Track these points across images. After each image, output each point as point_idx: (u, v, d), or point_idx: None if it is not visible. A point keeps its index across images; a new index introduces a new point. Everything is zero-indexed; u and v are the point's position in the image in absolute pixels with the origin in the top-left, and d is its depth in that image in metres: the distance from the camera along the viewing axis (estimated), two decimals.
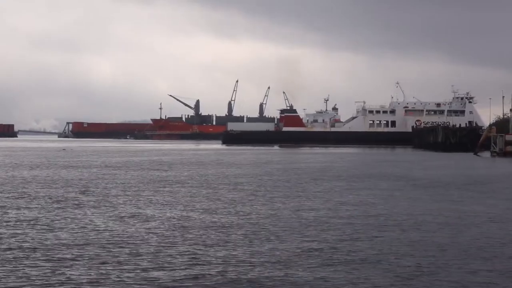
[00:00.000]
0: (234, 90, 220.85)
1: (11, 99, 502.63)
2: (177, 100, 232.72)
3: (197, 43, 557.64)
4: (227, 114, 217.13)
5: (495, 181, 47.71)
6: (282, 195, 34.87)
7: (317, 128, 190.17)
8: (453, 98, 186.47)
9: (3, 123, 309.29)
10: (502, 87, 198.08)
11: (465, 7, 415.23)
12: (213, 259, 17.75)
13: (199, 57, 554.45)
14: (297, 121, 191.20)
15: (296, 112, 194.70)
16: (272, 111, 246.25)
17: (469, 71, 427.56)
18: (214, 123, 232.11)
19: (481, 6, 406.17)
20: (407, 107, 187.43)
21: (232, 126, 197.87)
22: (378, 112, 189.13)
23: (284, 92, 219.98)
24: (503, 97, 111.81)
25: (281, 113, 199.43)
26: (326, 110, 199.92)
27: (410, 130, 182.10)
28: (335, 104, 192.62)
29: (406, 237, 21.41)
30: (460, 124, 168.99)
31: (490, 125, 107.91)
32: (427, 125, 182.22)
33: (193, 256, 18.11)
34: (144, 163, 67.73)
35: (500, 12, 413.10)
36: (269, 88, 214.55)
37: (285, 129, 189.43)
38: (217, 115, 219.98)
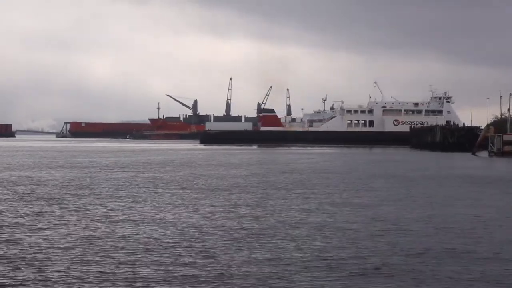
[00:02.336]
0: (229, 89, 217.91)
1: (8, 98, 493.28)
2: (175, 100, 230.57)
3: (193, 42, 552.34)
4: (224, 113, 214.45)
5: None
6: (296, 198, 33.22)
7: (295, 128, 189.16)
8: (431, 98, 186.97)
9: (1, 123, 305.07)
10: (500, 86, 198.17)
11: (468, 6, 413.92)
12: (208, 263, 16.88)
13: (196, 57, 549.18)
14: (275, 120, 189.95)
15: (274, 112, 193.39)
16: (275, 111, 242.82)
17: (469, 70, 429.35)
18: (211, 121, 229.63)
19: (483, 4, 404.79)
20: (385, 106, 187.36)
21: (210, 126, 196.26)
22: (356, 111, 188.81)
23: (288, 89, 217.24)
24: (501, 97, 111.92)
25: (259, 113, 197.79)
26: (324, 110, 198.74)
27: (387, 130, 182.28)
28: (333, 104, 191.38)
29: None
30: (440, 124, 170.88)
31: (488, 125, 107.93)
32: (404, 125, 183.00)
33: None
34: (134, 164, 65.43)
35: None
36: (271, 87, 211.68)
37: (263, 128, 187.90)
38: (215, 114, 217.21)
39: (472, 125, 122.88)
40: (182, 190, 37.26)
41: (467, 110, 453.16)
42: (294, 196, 34.22)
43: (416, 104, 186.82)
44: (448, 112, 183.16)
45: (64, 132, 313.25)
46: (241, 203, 30.46)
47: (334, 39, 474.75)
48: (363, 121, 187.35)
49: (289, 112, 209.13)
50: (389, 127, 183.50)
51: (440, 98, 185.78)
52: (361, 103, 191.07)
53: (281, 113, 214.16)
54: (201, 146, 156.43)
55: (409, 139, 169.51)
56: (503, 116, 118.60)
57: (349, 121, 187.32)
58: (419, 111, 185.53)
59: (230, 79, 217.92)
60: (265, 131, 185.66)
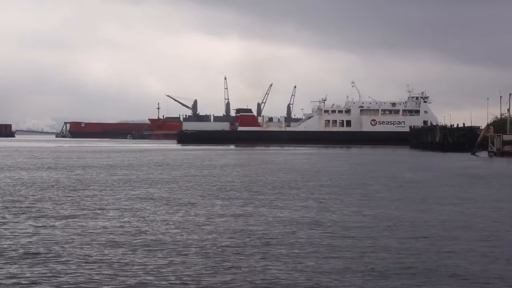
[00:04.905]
0: (225, 88, 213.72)
1: (7, 99, 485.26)
2: (175, 100, 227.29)
3: (193, 42, 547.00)
4: (224, 114, 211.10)
5: None
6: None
7: (273, 128, 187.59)
8: (408, 97, 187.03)
9: (0, 123, 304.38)
10: (500, 86, 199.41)
11: (465, 4, 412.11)
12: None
13: (196, 57, 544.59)
14: (252, 120, 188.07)
15: (251, 112, 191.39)
16: (276, 111, 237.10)
17: (469, 70, 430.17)
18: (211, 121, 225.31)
19: (481, 2, 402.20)
20: (363, 106, 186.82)
21: (187, 126, 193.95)
22: (333, 111, 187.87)
23: (295, 87, 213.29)
24: (501, 97, 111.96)
25: (236, 113, 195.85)
26: None
27: (365, 129, 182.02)
28: (333, 104, 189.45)
29: None
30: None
31: (488, 125, 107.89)
32: (382, 125, 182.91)
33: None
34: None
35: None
36: (271, 85, 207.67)
37: (240, 128, 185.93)
38: (215, 114, 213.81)
39: (472, 125, 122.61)
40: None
41: (466, 110, 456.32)
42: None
43: (394, 104, 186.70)
44: (425, 112, 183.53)
45: (64, 132, 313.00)
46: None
47: (334, 39, 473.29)
48: (340, 121, 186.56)
49: (289, 112, 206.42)
50: (367, 127, 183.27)
51: (417, 98, 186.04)
52: (339, 102, 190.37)
53: (281, 113, 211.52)
54: (179, 146, 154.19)
55: (386, 139, 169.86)
56: (503, 116, 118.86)
57: (327, 121, 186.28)
58: (396, 111, 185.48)
59: (225, 78, 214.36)
60: (242, 131, 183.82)
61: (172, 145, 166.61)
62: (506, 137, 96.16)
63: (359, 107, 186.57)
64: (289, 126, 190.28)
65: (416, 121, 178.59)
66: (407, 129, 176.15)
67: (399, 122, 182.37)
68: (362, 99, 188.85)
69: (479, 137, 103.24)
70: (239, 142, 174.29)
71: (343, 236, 21.07)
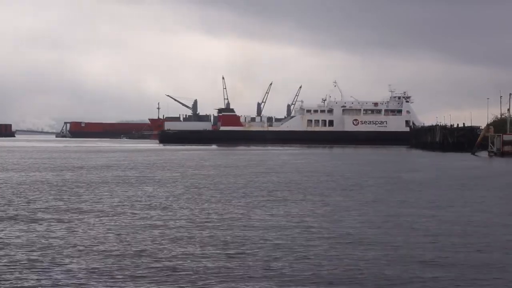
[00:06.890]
0: (223, 88, 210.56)
1: (7, 99, 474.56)
2: (175, 100, 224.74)
3: (191, 42, 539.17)
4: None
5: None
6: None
7: (255, 128, 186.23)
8: (390, 97, 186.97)
9: (0, 123, 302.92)
10: (500, 86, 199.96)
11: (462, 4, 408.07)
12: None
13: (194, 56, 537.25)
14: (235, 120, 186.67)
15: (233, 111, 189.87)
16: (275, 111, 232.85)
17: (468, 70, 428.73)
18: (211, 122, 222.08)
19: (481, 2, 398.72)
20: (345, 106, 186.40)
21: (169, 125, 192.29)
22: (316, 111, 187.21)
23: (300, 87, 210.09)
24: (501, 97, 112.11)
25: (218, 112, 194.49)
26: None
27: (347, 129, 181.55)
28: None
29: None
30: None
31: (488, 125, 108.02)
32: (364, 125, 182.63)
33: None
34: None
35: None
36: (271, 84, 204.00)
37: (222, 128, 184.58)
38: (215, 114, 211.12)
39: (472, 125, 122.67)
40: None
41: (466, 110, 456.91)
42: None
43: (376, 104, 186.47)
44: (408, 112, 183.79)
45: (64, 132, 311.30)
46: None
47: (334, 39, 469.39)
48: (322, 121, 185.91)
49: (289, 112, 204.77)
50: (349, 126, 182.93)
51: (399, 97, 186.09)
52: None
53: (282, 113, 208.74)
54: (161, 146, 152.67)
55: (368, 139, 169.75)
56: (503, 116, 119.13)
57: (309, 121, 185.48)
58: (379, 111, 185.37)
59: (223, 78, 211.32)
60: (224, 131, 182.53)
61: (154, 145, 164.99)
62: (506, 137, 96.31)
63: (342, 106, 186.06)
64: (271, 126, 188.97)
65: (399, 121, 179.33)
66: (389, 129, 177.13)
67: (381, 122, 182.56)
68: (345, 98, 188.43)
69: (479, 137, 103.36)
70: (221, 142, 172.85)
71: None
